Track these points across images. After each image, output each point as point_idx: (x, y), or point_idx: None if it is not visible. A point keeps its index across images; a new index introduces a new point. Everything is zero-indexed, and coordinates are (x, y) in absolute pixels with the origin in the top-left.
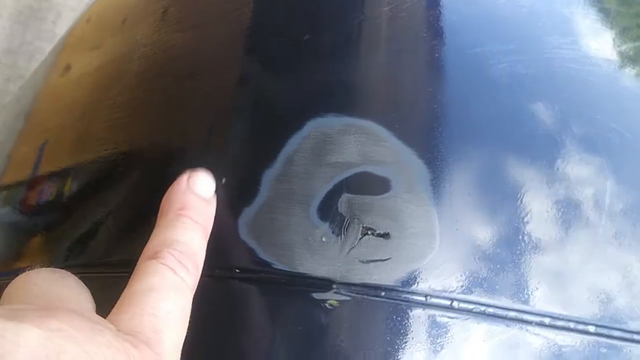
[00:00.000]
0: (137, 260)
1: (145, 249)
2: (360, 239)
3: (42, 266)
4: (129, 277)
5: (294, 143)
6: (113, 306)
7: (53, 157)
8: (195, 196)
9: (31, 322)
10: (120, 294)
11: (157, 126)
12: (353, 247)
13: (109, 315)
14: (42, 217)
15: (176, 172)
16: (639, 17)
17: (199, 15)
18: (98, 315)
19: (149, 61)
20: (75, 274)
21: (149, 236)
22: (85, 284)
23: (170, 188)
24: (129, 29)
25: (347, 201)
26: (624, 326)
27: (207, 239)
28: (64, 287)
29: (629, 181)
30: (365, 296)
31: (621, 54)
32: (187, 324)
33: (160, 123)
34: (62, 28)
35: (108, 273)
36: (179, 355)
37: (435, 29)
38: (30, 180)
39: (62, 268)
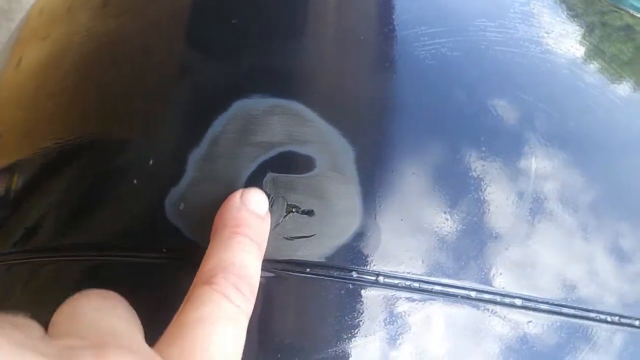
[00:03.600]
0: (84, 245)
1: (200, 271)
2: (285, 216)
3: None
4: (71, 262)
5: (219, 124)
6: (62, 292)
7: (5, 151)
8: (250, 213)
9: None
10: (68, 279)
11: (91, 113)
12: (278, 225)
13: (159, 345)
14: None
15: (112, 158)
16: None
17: None
18: (150, 350)
19: (85, 48)
20: (21, 260)
21: (91, 224)
22: (33, 270)
23: (222, 205)
24: (71, 17)
25: (272, 180)
26: (589, 306)
27: (262, 258)
28: (115, 317)
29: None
30: (290, 272)
31: (553, 37)
32: (240, 355)
33: (93, 110)
34: None
35: (54, 257)
36: None
37: (361, 12)
38: None
39: (8, 254)
